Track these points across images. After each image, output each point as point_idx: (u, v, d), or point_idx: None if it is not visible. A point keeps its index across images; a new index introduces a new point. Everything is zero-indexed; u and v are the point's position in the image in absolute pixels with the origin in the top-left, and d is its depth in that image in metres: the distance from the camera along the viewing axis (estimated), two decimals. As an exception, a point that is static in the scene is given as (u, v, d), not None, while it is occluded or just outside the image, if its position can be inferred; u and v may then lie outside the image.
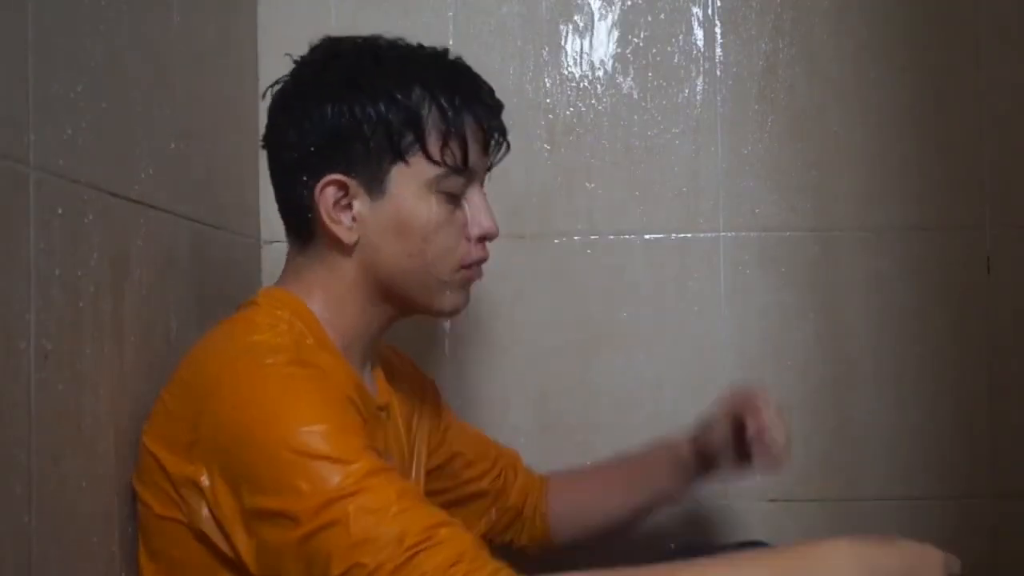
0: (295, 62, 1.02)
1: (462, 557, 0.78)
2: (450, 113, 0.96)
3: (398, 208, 0.96)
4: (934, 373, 1.48)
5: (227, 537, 0.86)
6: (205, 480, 0.86)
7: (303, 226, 0.99)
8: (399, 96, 0.95)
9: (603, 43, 1.50)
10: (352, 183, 0.96)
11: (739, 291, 1.49)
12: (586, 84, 1.50)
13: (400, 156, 0.95)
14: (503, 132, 1.03)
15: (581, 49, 1.50)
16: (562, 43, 1.50)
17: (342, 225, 0.97)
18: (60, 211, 0.83)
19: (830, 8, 1.49)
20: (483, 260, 1.03)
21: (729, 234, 1.49)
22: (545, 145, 1.49)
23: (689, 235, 1.49)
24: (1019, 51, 1.48)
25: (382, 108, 0.95)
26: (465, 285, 1.03)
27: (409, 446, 1.11)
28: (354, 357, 1.01)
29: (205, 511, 0.86)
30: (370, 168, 0.96)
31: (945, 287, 1.48)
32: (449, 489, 1.21)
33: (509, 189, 1.41)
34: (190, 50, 1.18)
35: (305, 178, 0.97)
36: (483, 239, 1.01)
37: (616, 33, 1.50)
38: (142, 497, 0.92)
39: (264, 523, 0.83)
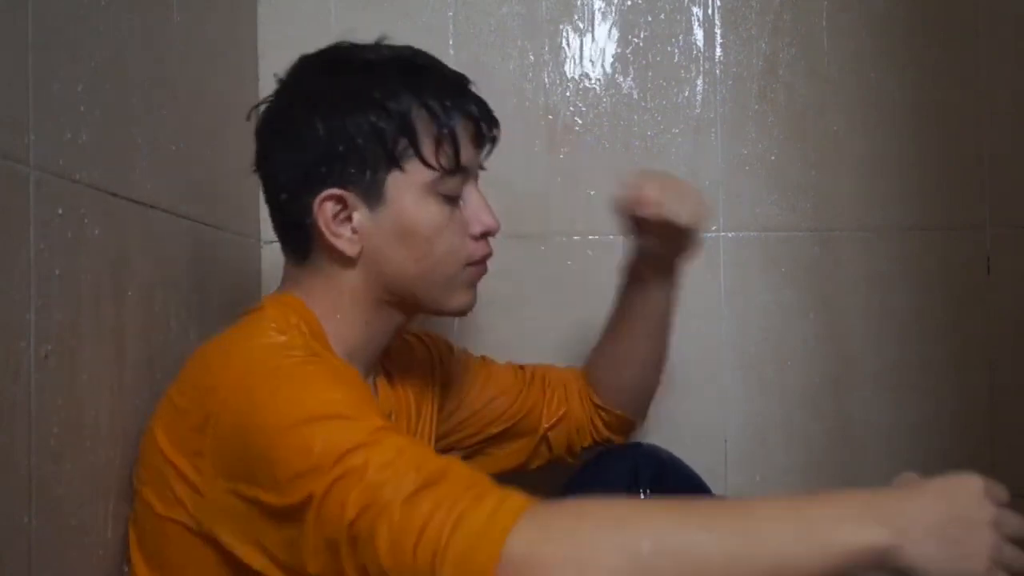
0: (279, 82, 1.02)
1: (476, 483, 0.77)
2: (440, 115, 0.97)
3: (399, 215, 0.97)
4: (934, 373, 1.48)
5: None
6: (204, 481, 0.86)
7: (302, 242, 0.99)
8: (389, 104, 0.96)
9: (603, 43, 1.50)
10: (350, 196, 0.96)
11: (739, 291, 1.49)
12: (586, 84, 1.50)
13: (396, 164, 0.96)
14: (492, 123, 1.02)
15: (581, 49, 1.50)
16: (562, 43, 1.50)
17: (343, 238, 0.97)
18: (60, 211, 0.83)
19: (830, 8, 1.49)
20: (487, 256, 1.05)
21: (729, 234, 1.49)
22: (545, 145, 1.49)
23: (689, 235, 1.49)
24: (1019, 51, 1.48)
25: (373, 119, 0.95)
26: (472, 283, 1.04)
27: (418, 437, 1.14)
28: (357, 366, 1.01)
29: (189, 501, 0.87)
30: (367, 179, 0.96)
31: (945, 287, 1.48)
32: (494, 434, 1.24)
33: (509, 189, 1.41)
34: (190, 50, 1.18)
35: (302, 197, 0.97)
36: (485, 235, 1.03)
37: (616, 33, 1.50)
38: (143, 496, 0.92)
39: (283, 518, 0.82)
